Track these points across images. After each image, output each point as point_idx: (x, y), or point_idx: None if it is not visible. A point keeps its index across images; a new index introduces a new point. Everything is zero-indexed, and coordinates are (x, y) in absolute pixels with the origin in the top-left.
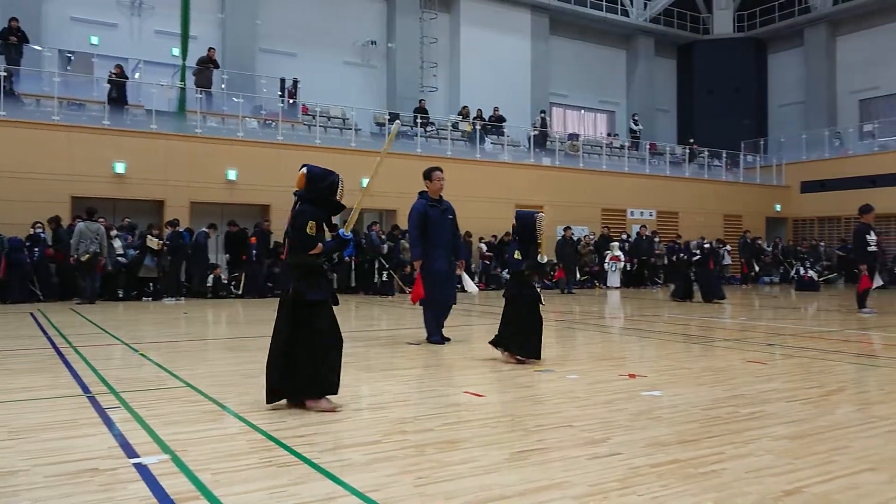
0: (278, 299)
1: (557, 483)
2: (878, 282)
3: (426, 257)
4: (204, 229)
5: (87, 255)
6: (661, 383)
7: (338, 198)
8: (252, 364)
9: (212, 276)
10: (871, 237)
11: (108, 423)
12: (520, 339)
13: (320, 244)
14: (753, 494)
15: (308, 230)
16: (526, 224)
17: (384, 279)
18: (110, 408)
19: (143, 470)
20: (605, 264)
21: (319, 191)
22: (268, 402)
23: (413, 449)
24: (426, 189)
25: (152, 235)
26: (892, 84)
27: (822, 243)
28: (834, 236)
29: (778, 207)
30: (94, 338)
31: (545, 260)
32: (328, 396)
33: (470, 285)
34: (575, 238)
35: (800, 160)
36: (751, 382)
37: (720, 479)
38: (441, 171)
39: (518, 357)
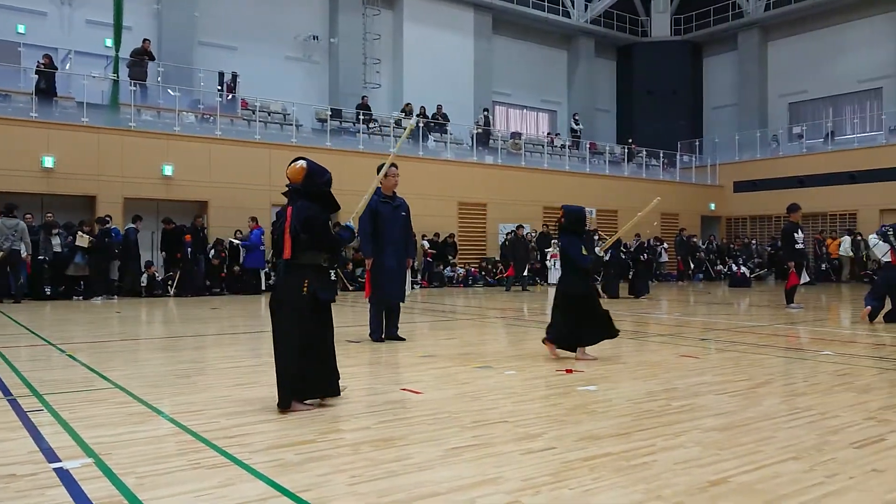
0: (275, 299)
1: (490, 478)
2: (805, 278)
3: (376, 254)
4: (131, 225)
5: (2, 253)
6: (597, 378)
7: (330, 192)
8: (185, 364)
9: (146, 274)
10: (799, 235)
11: (30, 426)
12: (602, 331)
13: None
14: (681, 485)
15: (333, 230)
16: (579, 217)
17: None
18: (32, 411)
19: (64, 475)
20: (548, 261)
21: (318, 186)
22: (283, 407)
23: (348, 447)
24: (380, 185)
25: (83, 232)
26: (820, 88)
27: (753, 241)
28: (765, 234)
29: (712, 206)
30: (18, 338)
31: (602, 254)
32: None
33: (407, 285)
34: (525, 235)
35: (733, 161)
36: (683, 376)
37: (650, 470)
38: (395, 167)
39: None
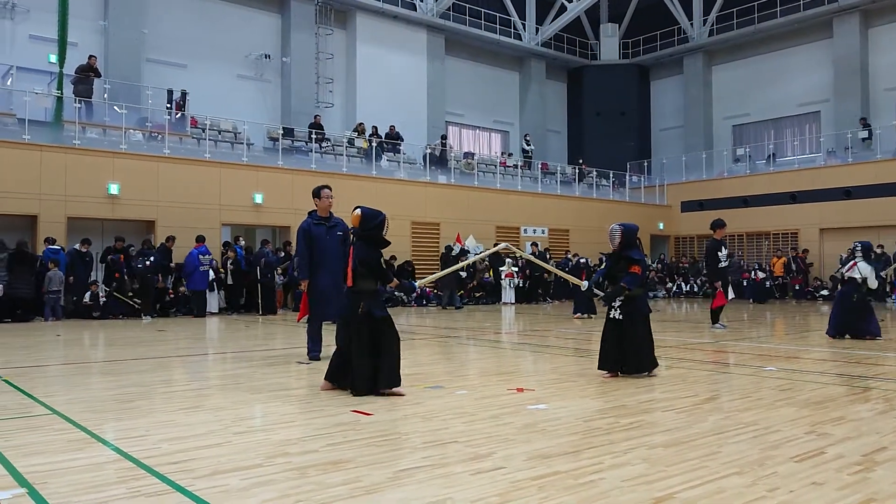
0: (342, 316)
1: (439, 500)
2: (730, 295)
3: (312, 274)
4: (76, 247)
5: None
6: (548, 396)
7: (384, 234)
8: (127, 388)
9: (89, 292)
10: (723, 253)
11: None
12: (651, 354)
13: (396, 280)
14: (628, 502)
15: (383, 265)
16: (635, 233)
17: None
18: None
19: None
20: (501, 280)
21: (370, 229)
22: (356, 394)
23: (295, 471)
24: (315, 208)
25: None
26: (762, 111)
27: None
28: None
29: (661, 226)
30: None
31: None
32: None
33: None
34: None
35: (680, 181)
36: (632, 393)
37: (598, 488)
38: (329, 188)
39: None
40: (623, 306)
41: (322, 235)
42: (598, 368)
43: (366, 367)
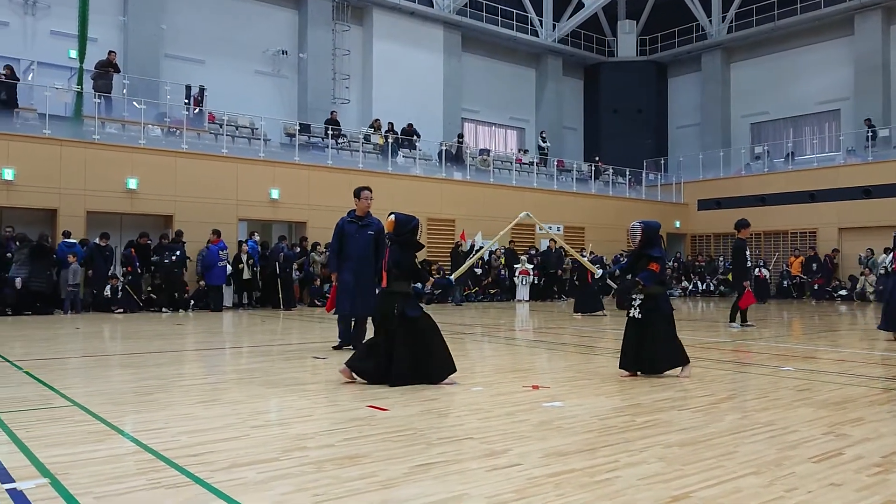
0: (376, 317)
1: (455, 496)
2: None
3: (339, 269)
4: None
5: None
6: (563, 394)
7: (419, 238)
8: (146, 381)
9: (109, 286)
10: (747, 253)
11: None
12: (675, 353)
13: (432, 278)
14: (644, 501)
15: (418, 266)
16: (656, 231)
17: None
18: None
19: (17, 496)
20: (515, 277)
21: (405, 234)
22: (392, 385)
23: (312, 465)
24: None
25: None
26: (780, 109)
27: (721, 258)
28: (728, 252)
29: (677, 224)
30: None
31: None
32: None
33: None
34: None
35: (697, 179)
36: (647, 392)
37: (613, 486)
38: (370, 190)
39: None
40: (643, 305)
41: (352, 234)
42: (619, 367)
43: (405, 362)
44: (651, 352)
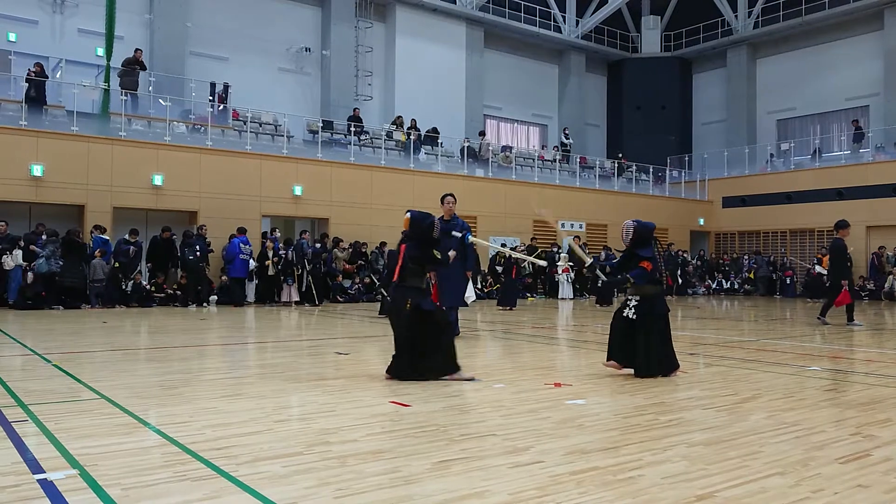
0: (389, 310)
1: (477, 492)
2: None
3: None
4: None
5: None
6: (586, 392)
7: (434, 234)
8: (171, 375)
9: (132, 282)
10: (849, 252)
11: (14, 437)
12: (667, 357)
13: (452, 252)
14: (667, 500)
15: (436, 256)
16: (650, 232)
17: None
18: (17, 421)
19: (48, 486)
20: (557, 276)
21: (421, 230)
22: (393, 377)
23: (335, 460)
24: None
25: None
26: (807, 105)
27: (745, 256)
28: (753, 250)
29: (701, 221)
30: (2, 348)
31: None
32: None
33: (469, 292)
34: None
35: (722, 176)
36: (671, 391)
37: (637, 485)
38: (452, 196)
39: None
40: (638, 307)
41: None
42: (607, 360)
43: (440, 354)
44: (645, 353)
